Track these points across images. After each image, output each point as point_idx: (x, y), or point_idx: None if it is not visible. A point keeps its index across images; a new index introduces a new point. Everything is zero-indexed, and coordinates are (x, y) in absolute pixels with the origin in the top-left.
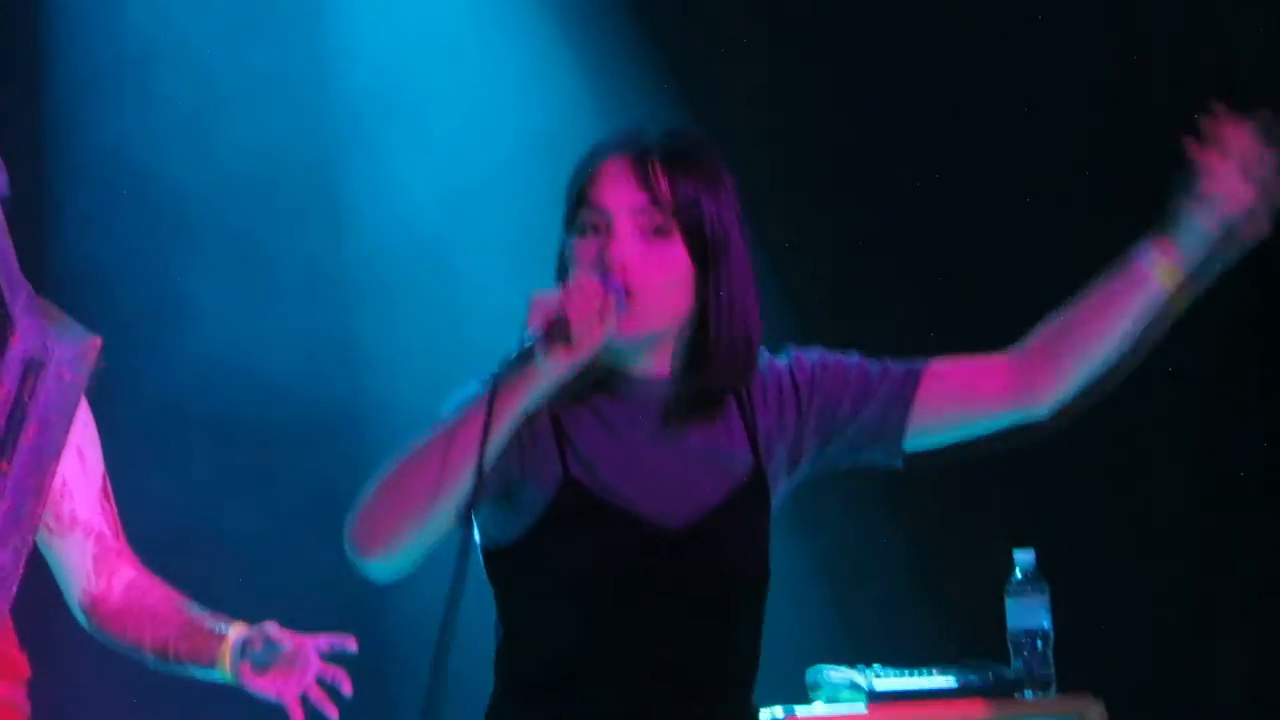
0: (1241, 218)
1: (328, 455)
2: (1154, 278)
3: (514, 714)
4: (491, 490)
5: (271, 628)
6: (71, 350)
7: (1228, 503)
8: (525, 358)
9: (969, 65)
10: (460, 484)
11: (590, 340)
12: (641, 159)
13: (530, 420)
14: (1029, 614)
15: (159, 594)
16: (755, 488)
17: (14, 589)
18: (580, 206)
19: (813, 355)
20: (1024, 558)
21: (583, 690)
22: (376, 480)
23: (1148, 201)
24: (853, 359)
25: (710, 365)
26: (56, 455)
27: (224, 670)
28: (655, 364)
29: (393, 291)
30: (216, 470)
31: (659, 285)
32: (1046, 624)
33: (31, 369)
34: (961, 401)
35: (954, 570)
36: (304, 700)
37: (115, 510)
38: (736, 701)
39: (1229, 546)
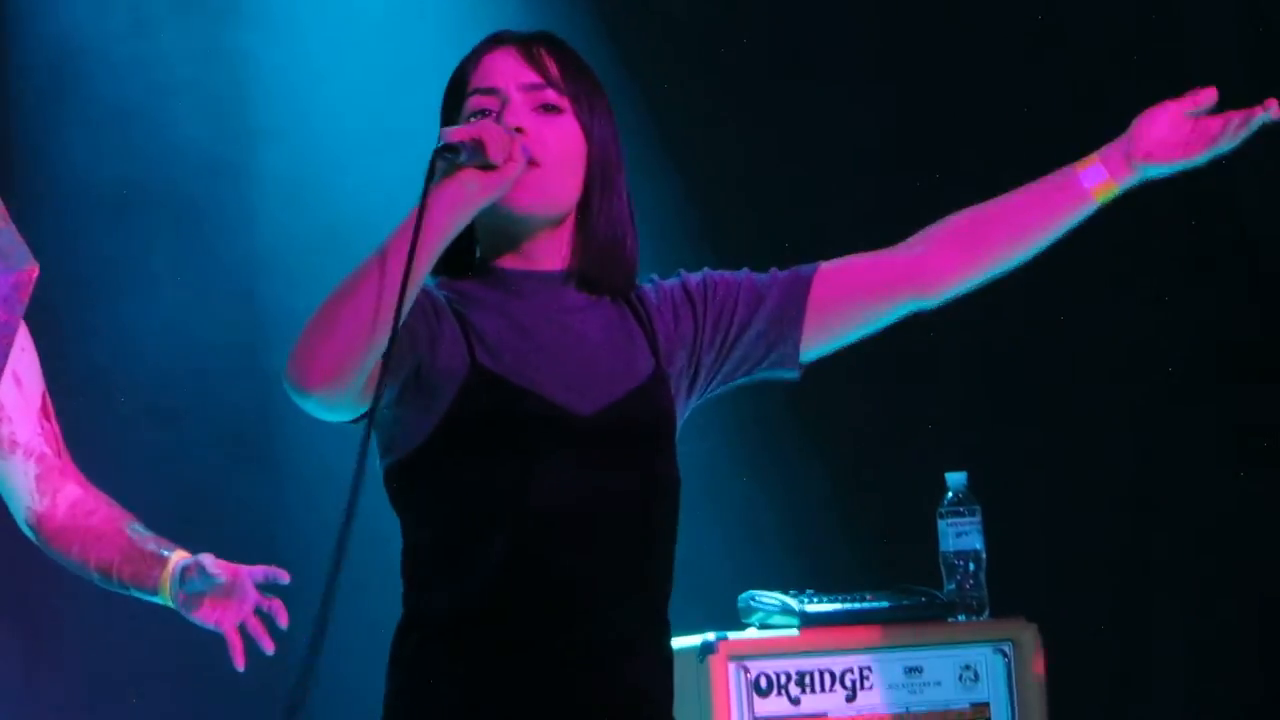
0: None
1: (255, 432)
2: (1093, 196)
3: (426, 622)
4: (404, 364)
5: (207, 559)
6: (6, 282)
7: (1165, 424)
8: (449, 153)
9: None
10: (399, 295)
11: (505, 171)
12: (526, 45)
13: (436, 313)
14: (961, 536)
15: (104, 513)
16: (658, 387)
17: None
18: (464, 97)
19: (702, 272)
20: (956, 479)
21: (502, 598)
22: (315, 313)
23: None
24: (742, 273)
25: (593, 254)
26: None
27: (164, 597)
28: (550, 258)
29: (323, 270)
30: (145, 445)
31: (557, 154)
32: (979, 546)
33: None
34: (853, 296)
35: (888, 497)
36: (242, 630)
37: (57, 429)
38: (657, 600)
39: (1165, 470)
